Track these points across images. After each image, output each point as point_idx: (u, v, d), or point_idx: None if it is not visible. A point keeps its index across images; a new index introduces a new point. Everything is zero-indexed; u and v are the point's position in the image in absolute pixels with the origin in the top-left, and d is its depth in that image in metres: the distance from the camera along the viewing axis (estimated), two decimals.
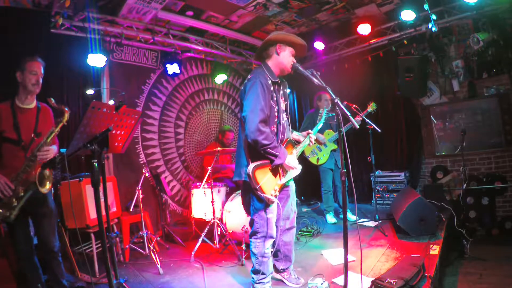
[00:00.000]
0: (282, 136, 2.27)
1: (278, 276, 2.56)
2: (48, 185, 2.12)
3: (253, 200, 2.25)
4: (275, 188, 2.20)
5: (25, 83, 2.20)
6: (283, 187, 2.36)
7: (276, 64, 2.28)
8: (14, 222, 2.08)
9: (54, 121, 2.43)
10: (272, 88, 2.20)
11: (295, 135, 2.49)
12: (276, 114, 2.22)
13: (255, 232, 2.27)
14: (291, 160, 2.21)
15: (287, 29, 5.23)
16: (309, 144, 2.49)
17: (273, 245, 2.40)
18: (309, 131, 2.48)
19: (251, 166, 2.10)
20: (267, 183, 2.15)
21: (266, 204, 2.19)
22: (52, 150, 2.15)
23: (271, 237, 2.26)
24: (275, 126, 2.22)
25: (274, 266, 2.52)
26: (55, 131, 2.13)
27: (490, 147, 4.64)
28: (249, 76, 2.25)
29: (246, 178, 2.14)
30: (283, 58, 2.26)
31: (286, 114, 2.38)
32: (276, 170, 2.22)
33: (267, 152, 2.10)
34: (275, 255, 2.52)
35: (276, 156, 2.11)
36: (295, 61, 2.27)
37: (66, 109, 2.11)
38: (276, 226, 2.37)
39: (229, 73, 5.79)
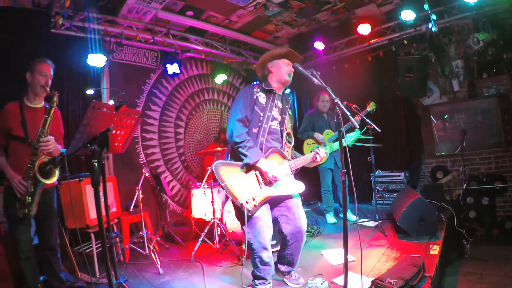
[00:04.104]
0: (262, 139, 2.23)
1: (279, 276, 2.56)
2: (53, 178, 2.15)
3: (236, 209, 2.19)
4: (254, 196, 2.09)
5: (34, 84, 2.23)
6: (280, 201, 2.28)
7: (273, 80, 2.38)
8: (18, 223, 2.11)
9: (62, 122, 2.46)
10: (258, 95, 2.27)
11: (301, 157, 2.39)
12: (261, 118, 2.24)
13: (249, 244, 2.21)
14: (270, 167, 2.11)
15: (287, 29, 5.24)
16: (315, 158, 2.30)
17: (281, 247, 2.41)
18: (318, 150, 2.33)
19: (216, 162, 2.12)
20: (240, 186, 2.09)
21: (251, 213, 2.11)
22: (52, 141, 2.16)
23: (265, 248, 2.18)
24: (257, 129, 2.24)
25: (277, 267, 2.50)
26: (49, 117, 2.14)
27: (490, 147, 4.64)
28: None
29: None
30: (277, 72, 2.35)
31: (281, 126, 2.37)
32: (254, 175, 2.15)
33: (239, 151, 2.12)
34: (279, 258, 2.49)
35: (245, 155, 2.10)
36: (292, 69, 2.33)
37: (56, 92, 2.17)
38: (285, 239, 2.33)
39: (229, 73, 5.80)
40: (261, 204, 2.15)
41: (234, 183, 2.08)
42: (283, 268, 2.50)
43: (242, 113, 2.19)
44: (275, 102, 2.36)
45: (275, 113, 2.34)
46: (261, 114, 2.25)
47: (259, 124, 2.24)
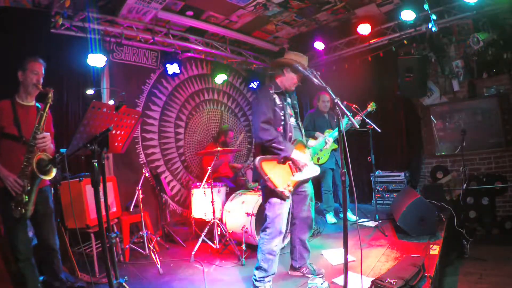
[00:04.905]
0: (290, 134, 2.44)
1: (297, 273, 2.63)
2: (52, 174, 2.12)
3: (268, 195, 2.35)
4: (289, 183, 2.31)
5: (26, 82, 2.22)
6: (300, 187, 2.48)
7: (282, 82, 2.56)
8: (15, 224, 2.09)
9: (52, 121, 2.44)
10: (275, 96, 2.44)
11: (311, 142, 2.69)
12: (282, 118, 2.42)
13: (265, 227, 2.36)
14: (300, 156, 2.35)
15: (287, 29, 5.24)
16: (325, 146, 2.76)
17: (291, 234, 2.65)
18: (324, 134, 2.61)
19: (258, 158, 2.27)
20: (278, 176, 2.28)
21: (279, 199, 2.30)
22: (48, 137, 2.14)
23: (280, 233, 2.34)
24: (281, 127, 2.41)
25: (291, 265, 2.69)
26: (45, 113, 2.12)
27: (490, 147, 4.64)
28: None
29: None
30: (288, 79, 2.53)
31: (297, 120, 2.61)
32: (287, 165, 2.35)
33: (272, 146, 2.29)
34: (291, 252, 2.67)
35: (281, 150, 2.29)
36: (298, 81, 2.53)
37: (51, 88, 2.16)
38: (294, 224, 2.56)
39: (229, 73, 5.79)
40: (294, 189, 2.39)
41: (274, 174, 2.28)
42: (297, 264, 2.62)
43: (266, 115, 2.34)
44: (287, 100, 2.56)
45: (290, 109, 2.55)
46: (281, 113, 2.43)
47: (282, 122, 2.42)
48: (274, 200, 2.32)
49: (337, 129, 2.75)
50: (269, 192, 2.33)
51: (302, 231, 2.59)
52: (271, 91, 2.46)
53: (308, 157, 2.48)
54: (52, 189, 2.46)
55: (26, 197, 2.05)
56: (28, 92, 2.25)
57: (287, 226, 2.58)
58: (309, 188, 2.58)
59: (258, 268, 2.34)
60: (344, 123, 3.05)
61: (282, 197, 2.28)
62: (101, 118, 1.71)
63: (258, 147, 2.43)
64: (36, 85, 2.21)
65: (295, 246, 2.62)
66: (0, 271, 2.37)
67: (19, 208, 2.04)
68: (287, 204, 2.37)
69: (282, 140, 2.33)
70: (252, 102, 2.54)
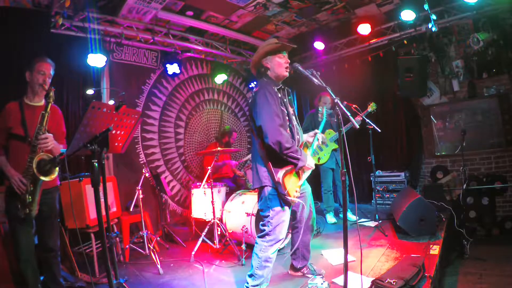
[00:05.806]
0: (298, 137, 2.31)
1: (298, 273, 2.61)
2: (52, 175, 2.11)
3: (272, 202, 2.23)
4: (297, 189, 2.24)
5: (33, 83, 2.23)
6: (301, 189, 2.40)
7: (272, 75, 2.35)
8: (20, 225, 2.10)
9: (63, 120, 2.44)
10: (279, 95, 2.27)
11: (304, 137, 2.53)
12: (287, 118, 2.27)
13: (266, 234, 2.24)
14: (310, 160, 2.24)
15: (287, 29, 5.24)
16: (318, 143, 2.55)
17: (292, 236, 2.58)
18: (316, 130, 2.49)
19: (280, 174, 2.12)
20: (290, 185, 2.20)
21: (285, 207, 2.22)
22: (51, 138, 2.13)
23: (279, 240, 2.26)
24: (288, 129, 2.25)
25: (292, 265, 2.64)
26: (46, 113, 2.11)
27: (490, 147, 4.64)
28: (255, 89, 2.31)
29: (271, 184, 2.19)
30: (273, 68, 2.33)
31: (296, 120, 2.46)
32: (298, 172, 2.26)
33: (289, 156, 2.10)
34: (293, 253, 2.61)
35: (298, 159, 2.13)
36: (288, 62, 2.33)
37: (52, 87, 2.14)
38: (297, 227, 2.50)
39: (229, 73, 5.79)
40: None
41: (290, 185, 2.19)
42: (298, 264, 2.59)
43: (279, 117, 2.15)
44: (286, 97, 2.39)
45: (290, 108, 2.37)
46: (286, 113, 2.28)
47: (288, 124, 2.26)
48: (281, 207, 2.22)
49: (322, 124, 2.68)
50: (279, 199, 2.21)
51: (305, 233, 2.52)
52: (275, 88, 2.27)
53: (312, 158, 2.33)
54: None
55: (30, 197, 2.06)
56: (35, 92, 2.26)
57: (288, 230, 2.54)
58: (308, 188, 2.50)
59: (252, 275, 2.24)
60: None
61: (290, 204, 2.22)
62: (101, 118, 1.70)
63: (265, 156, 2.21)
64: (42, 85, 2.21)
65: (298, 248, 2.55)
66: (3, 271, 2.37)
67: (24, 208, 2.06)
68: (290, 210, 2.31)
69: (296, 147, 2.16)
70: (258, 100, 2.19)
